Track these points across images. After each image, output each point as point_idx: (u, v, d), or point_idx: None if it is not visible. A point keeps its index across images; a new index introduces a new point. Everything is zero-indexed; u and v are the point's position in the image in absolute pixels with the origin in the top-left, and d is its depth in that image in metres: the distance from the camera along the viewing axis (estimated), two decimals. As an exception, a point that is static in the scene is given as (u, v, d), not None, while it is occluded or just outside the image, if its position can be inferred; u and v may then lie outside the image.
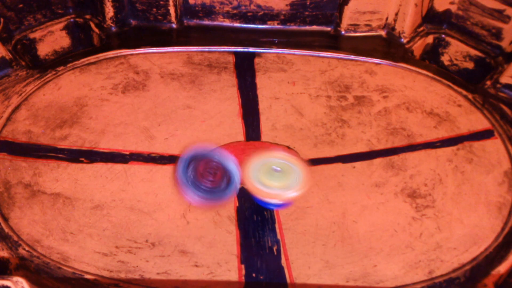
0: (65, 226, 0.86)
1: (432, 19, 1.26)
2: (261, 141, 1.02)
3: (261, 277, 0.82)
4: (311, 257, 0.84)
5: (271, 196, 0.83)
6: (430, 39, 1.26)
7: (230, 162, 0.86)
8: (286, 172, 0.84)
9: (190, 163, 0.86)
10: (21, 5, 1.19)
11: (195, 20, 1.30)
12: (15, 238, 0.84)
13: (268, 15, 1.28)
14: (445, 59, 1.25)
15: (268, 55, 1.21)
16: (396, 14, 1.25)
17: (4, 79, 1.11)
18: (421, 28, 1.27)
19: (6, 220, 0.87)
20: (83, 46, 1.27)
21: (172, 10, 1.26)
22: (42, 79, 1.12)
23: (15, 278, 0.66)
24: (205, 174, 0.86)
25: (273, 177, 0.83)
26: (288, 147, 1.01)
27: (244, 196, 0.92)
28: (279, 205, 0.88)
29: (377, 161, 0.99)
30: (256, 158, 0.86)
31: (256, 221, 0.89)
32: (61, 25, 1.25)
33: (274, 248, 0.85)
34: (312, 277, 0.82)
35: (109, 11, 1.24)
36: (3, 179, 0.93)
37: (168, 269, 0.82)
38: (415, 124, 1.06)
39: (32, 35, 1.21)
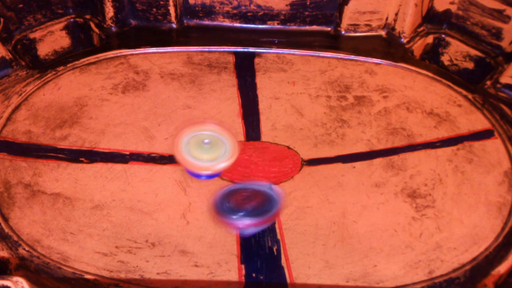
0: (65, 226, 0.87)
1: (432, 19, 1.26)
2: (261, 141, 1.02)
3: (261, 277, 0.82)
4: (311, 257, 0.84)
5: (201, 168, 0.85)
6: (430, 39, 1.26)
7: (261, 184, 0.88)
8: (216, 145, 0.86)
9: (223, 203, 0.84)
10: (21, 5, 1.19)
11: (195, 20, 1.30)
12: (15, 238, 0.84)
13: (268, 15, 1.28)
14: (445, 59, 1.25)
15: (268, 55, 1.21)
16: (396, 14, 1.25)
17: (4, 79, 1.11)
18: (421, 28, 1.27)
19: (6, 220, 0.87)
20: (83, 46, 1.27)
21: (172, 10, 1.26)
22: (42, 79, 1.12)
23: (15, 278, 0.66)
24: (241, 203, 0.84)
25: (203, 150, 0.85)
26: (288, 147, 1.01)
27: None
28: (208, 176, 0.91)
29: (377, 161, 0.99)
30: (186, 132, 0.88)
31: (256, 221, 0.89)
32: (61, 25, 1.25)
33: (274, 248, 0.85)
34: (312, 277, 0.82)
35: (109, 11, 1.24)
36: (3, 179, 0.93)
37: (168, 269, 0.82)
38: (415, 124, 1.06)
39: (32, 35, 1.21)
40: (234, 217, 0.82)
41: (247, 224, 0.82)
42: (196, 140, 0.86)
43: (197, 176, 0.90)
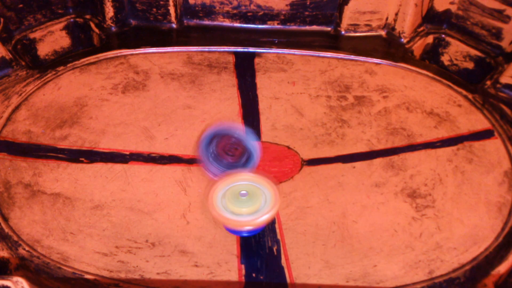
0: (65, 226, 0.87)
1: (432, 19, 1.26)
2: (261, 141, 1.02)
3: (261, 277, 0.82)
4: (311, 257, 0.84)
5: (242, 224, 0.78)
6: (430, 39, 1.26)
7: (250, 140, 0.88)
8: (254, 195, 0.79)
9: (213, 139, 0.89)
10: (21, 5, 1.19)
11: (195, 20, 1.30)
12: (15, 238, 0.84)
13: (268, 15, 1.28)
14: (445, 59, 1.25)
15: (268, 55, 1.21)
16: (396, 14, 1.25)
17: (4, 79, 1.11)
18: (421, 28, 1.27)
19: (6, 220, 0.87)
20: (83, 46, 1.27)
21: (172, 10, 1.26)
22: (42, 79, 1.12)
23: (15, 278, 0.66)
24: (226, 150, 0.88)
25: (241, 203, 0.78)
26: (288, 147, 1.01)
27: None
28: (252, 232, 0.84)
29: (377, 161, 0.99)
30: (220, 184, 0.81)
31: (256, 221, 0.89)
32: (61, 25, 1.25)
33: (274, 248, 0.85)
34: (312, 277, 0.82)
35: (109, 11, 1.24)
36: (3, 179, 0.93)
37: (168, 269, 0.82)
38: (415, 124, 1.06)
39: (32, 35, 1.21)
40: (213, 163, 0.86)
41: (217, 173, 0.85)
42: (231, 192, 0.79)
43: (239, 233, 0.84)
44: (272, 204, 0.78)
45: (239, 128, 0.93)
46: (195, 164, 0.97)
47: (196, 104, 1.09)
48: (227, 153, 0.89)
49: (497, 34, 1.18)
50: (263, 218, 0.77)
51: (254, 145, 0.89)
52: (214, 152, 0.89)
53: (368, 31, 1.28)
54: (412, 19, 1.24)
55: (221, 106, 1.08)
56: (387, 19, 1.27)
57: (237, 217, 0.77)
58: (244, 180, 0.81)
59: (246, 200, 0.78)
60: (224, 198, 0.79)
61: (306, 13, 1.27)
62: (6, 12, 1.17)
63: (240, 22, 1.29)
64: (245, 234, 0.85)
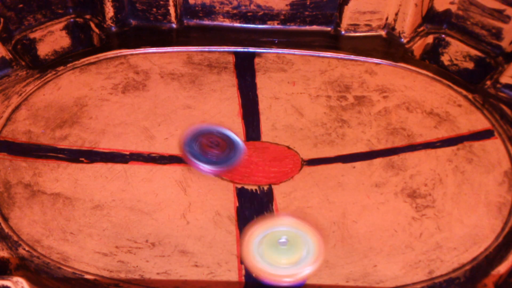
0: (65, 226, 0.87)
1: (432, 19, 1.26)
2: (261, 141, 1.02)
3: (261, 277, 0.82)
4: (311, 257, 0.84)
5: (280, 277, 0.71)
6: (430, 39, 1.26)
7: (228, 131, 0.94)
8: (295, 243, 0.72)
9: (193, 141, 0.94)
10: (21, 5, 1.19)
11: (195, 20, 1.30)
12: (15, 238, 0.84)
13: (268, 15, 1.28)
14: (445, 59, 1.25)
15: (268, 55, 1.21)
16: (396, 14, 1.25)
17: (4, 79, 1.11)
18: (421, 28, 1.27)
19: (6, 220, 0.87)
20: (83, 46, 1.27)
21: (172, 10, 1.26)
22: (42, 79, 1.12)
23: (15, 278, 0.66)
24: (209, 146, 0.93)
25: (280, 252, 0.72)
26: (288, 147, 1.01)
27: (244, 196, 0.92)
28: (295, 285, 0.76)
29: (377, 161, 0.99)
30: (257, 229, 0.75)
31: (256, 221, 0.89)
32: (61, 25, 1.25)
33: (274, 248, 0.85)
34: (312, 277, 0.82)
35: (109, 11, 1.24)
36: (3, 179, 0.93)
37: (168, 269, 0.82)
38: (415, 124, 1.06)
39: (32, 35, 1.21)
40: (197, 159, 0.91)
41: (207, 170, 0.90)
42: (270, 239, 0.72)
43: (276, 286, 0.75)
44: (316, 255, 0.71)
45: (220, 126, 0.98)
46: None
47: (196, 104, 1.09)
48: (210, 146, 0.93)
49: (497, 34, 1.18)
50: (305, 272, 0.70)
51: (236, 137, 0.95)
52: (197, 147, 0.93)
53: (368, 31, 1.28)
54: (412, 19, 1.24)
55: (221, 106, 1.08)
56: (387, 19, 1.27)
57: (275, 268, 0.70)
58: (284, 225, 0.74)
59: (286, 249, 0.72)
60: (262, 245, 0.72)
61: (306, 13, 1.27)
62: (6, 12, 1.17)
63: (240, 22, 1.29)
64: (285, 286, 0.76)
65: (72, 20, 1.26)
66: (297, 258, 0.70)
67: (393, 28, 1.27)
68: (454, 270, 0.83)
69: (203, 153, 0.92)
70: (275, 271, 0.69)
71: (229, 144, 0.94)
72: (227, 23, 1.29)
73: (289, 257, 0.70)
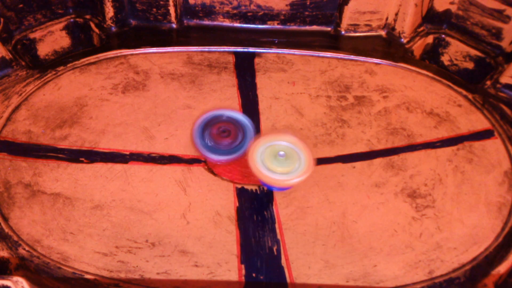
0: (65, 226, 0.87)
1: (432, 19, 1.26)
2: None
3: (261, 277, 0.82)
4: (311, 257, 0.84)
5: (273, 181, 0.84)
6: (430, 39, 1.26)
7: (238, 115, 0.95)
8: (291, 157, 0.86)
9: (204, 131, 0.94)
10: (21, 5, 1.19)
11: (195, 20, 1.30)
12: (15, 238, 0.84)
13: (268, 15, 1.28)
14: (445, 59, 1.25)
15: (268, 55, 1.21)
16: (396, 14, 1.25)
17: (4, 79, 1.11)
18: (421, 28, 1.27)
19: (6, 220, 0.87)
20: (83, 46, 1.27)
21: (172, 10, 1.26)
22: (42, 79, 1.12)
23: (15, 278, 0.66)
24: (220, 136, 0.93)
25: (278, 162, 0.85)
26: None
27: (244, 196, 0.92)
28: (280, 189, 0.91)
29: (377, 161, 0.99)
30: (261, 141, 0.88)
31: (256, 221, 0.89)
32: (61, 25, 1.25)
33: (274, 248, 0.85)
34: (312, 277, 0.82)
35: (109, 11, 1.24)
36: (3, 179, 0.93)
37: (168, 269, 0.82)
38: (415, 124, 1.06)
39: (32, 35, 1.21)
40: (212, 151, 0.91)
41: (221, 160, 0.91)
42: (271, 151, 0.86)
43: (269, 187, 0.90)
44: (304, 170, 0.84)
45: (225, 111, 0.99)
46: (196, 164, 0.97)
47: (196, 104, 1.09)
48: (221, 135, 0.93)
49: (497, 34, 1.18)
50: (293, 181, 0.84)
51: (245, 120, 0.95)
52: (209, 139, 0.93)
53: (368, 31, 1.28)
54: (412, 19, 1.24)
55: (221, 106, 1.08)
56: (387, 19, 1.27)
57: (271, 174, 0.84)
58: (285, 141, 0.88)
59: (282, 160, 0.85)
60: (263, 155, 0.86)
61: (306, 13, 1.27)
62: (6, 12, 1.17)
63: (240, 22, 1.29)
64: (275, 189, 0.92)
65: (72, 20, 1.26)
66: (289, 169, 0.85)
67: (393, 28, 1.27)
68: (454, 270, 0.83)
69: (216, 144, 0.93)
70: (271, 177, 0.84)
71: (239, 128, 0.95)
72: (227, 23, 1.29)
73: (283, 168, 0.85)
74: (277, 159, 0.85)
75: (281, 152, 0.86)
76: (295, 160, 0.85)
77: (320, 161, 0.99)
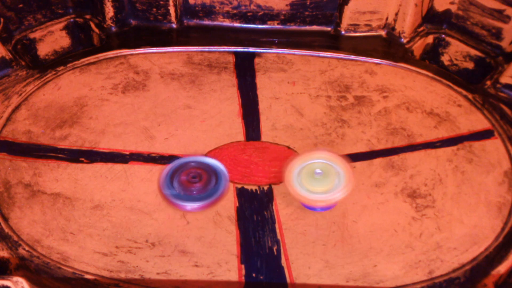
0: (65, 226, 0.87)
1: (432, 19, 1.26)
2: (261, 141, 1.02)
3: (261, 277, 0.82)
4: (311, 257, 0.84)
5: (316, 201, 0.85)
6: (430, 39, 1.26)
7: (206, 159, 0.91)
8: (328, 174, 0.86)
9: (172, 179, 0.90)
10: (21, 5, 1.19)
11: (195, 20, 1.30)
12: (15, 238, 0.84)
13: (268, 15, 1.28)
14: (445, 59, 1.25)
15: (268, 55, 1.21)
16: (396, 14, 1.25)
17: (4, 79, 1.11)
18: (421, 28, 1.27)
19: (6, 220, 0.87)
20: (83, 46, 1.27)
21: (172, 10, 1.26)
22: (42, 79, 1.12)
23: (15, 278, 0.66)
24: (190, 182, 0.89)
25: (316, 181, 0.85)
26: (288, 147, 1.01)
27: (244, 196, 0.92)
28: (323, 209, 0.89)
29: (377, 161, 0.99)
30: (297, 161, 0.88)
31: (256, 221, 0.89)
32: (61, 25, 1.25)
33: (274, 248, 0.85)
34: (312, 277, 0.82)
35: (109, 11, 1.24)
36: (3, 179, 0.93)
37: (168, 269, 0.82)
38: (415, 124, 1.06)
39: (32, 35, 1.21)
40: (184, 198, 0.88)
41: (195, 207, 0.87)
42: (307, 170, 0.86)
43: (312, 208, 0.89)
44: (345, 184, 0.85)
45: (192, 157, 0.95)
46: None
47: (196, 104, 1.09)
48: (192, 180, 0.89)
49: (497, 34, 1.18)
50: (335, 197, 0.84)
51: (215, 163, 0.92)
52: (179, 186, 0.89)
53: (368, 31, 1.28)
54: (412, 19, 1.24)
55: (221, 106, 1.08)
56: (387, 19, 1.27)
57: (311, 195, 0.84)
58: (319, 158, 0.88)
59: (320, 179, 0.85)
60: (300, 176, 0.85)
61: (306, 13, 1.27)
62: (6, 12, 1.17)
63: (240, 22, 1.29)
64: (319, 210, 0.90)
65: (72, 20, 1.26)
66: (330, 187, 0.85)
67: (393, 28, 1.27)
68: (454, 270, 0.83)
69: (187, 191, 0.89)
70: (311, 197, 0.84)
71: (209, 171, 0.91)
72: (227, 23, 1.29)
73: (323, 186, 0.85)
74: (315, 179, 0.85)
75: (318, 170, 0.85)
76: (334, 176, 0.85)
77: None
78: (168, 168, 0.91)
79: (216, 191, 0.89)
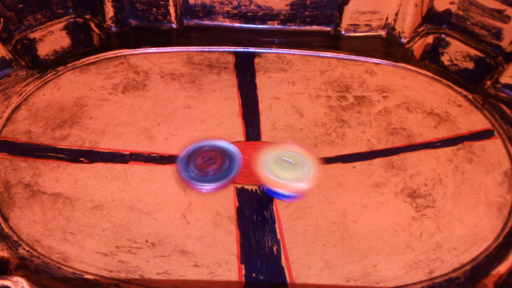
0: (65, 226, 0.87)
1: (432, 19, 1.27)
2: (261, 141, 1.02)
3: (261, 277, 0.82)
4: (311, 257, 0.84)
5: (281, 186, 0.87)
6: (430, 39, 1.26)
7: (220, 142, 0.95)
8: (298, 165, 0.89)
9: (188, 163, 0.92)
10: (21, 5, 1.19)
11: (195, 20, 1.30)
12: (15, 238, 0.84)
13: (268, 15, 1.28)
14: (445, 59, 1.25)
15: (268, 55, 1.21)
16: (396, 14, 1.25)
17: (4, 79, 1.11)
18: (421, 28, 1.27)
19: (6, 220, 0.87)
20: (83, 46, 1.27)
21: (172, 10, 1.26)
22: (42, 79, 1.12)
23: (15, 278, 0.66)
24: (206, 165, 0.93)
25: (285, 169, 0.88)
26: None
27: (244, 196, 0.92)
28: (288, 196, 0.92)
29: (377, 161, 0.99)
30: (269, 150, 0.91)
31: (256, 221, 0.89)
32: (61, 25, 1.25)
33: (274, 248, 0.85)
34: (312, 277, 0.82)
35: (109, 11, 1.24)
36: (3, 179, 0.93)
37: (168, 269, 0.82)
38: (415, 124, 1.06)
39: (32, 35, 1.21)
40: (195, 179, 0.91)
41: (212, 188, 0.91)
42: (280, 157, 0.89)
43: (274, 193, 0.91)
44: (307, 178, 0.87)
45: (206, 142, 0.98)
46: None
47: (196, 104, 1.09)
48: (207, 163, 0.93)
49: (497, 34, 1.18)
50: (295, 185, 0.87)
51: (228, 146, 0.96)
52: (194, 169, 0.93)
53: (368, 31, 1.28)
54: (412, 19, 1.24)
55: (221, 106, 1.08)
56: (387, 19, 1.27)
57: (276, 178, 0.87)
58: (293, 151, 0.91)
59: (289, 167, 0.88)
60: (271, 162, 0.89)
61: (306, 13, 1.28)
62: (6, 12, 1.17)
63: (240, 22, 1.29)
64: (279, 197, 0.92)
65: (72, 20, 1.26)
66: (296, 176, 0.88)
67: (393, 28, 1.27)
68: (454, 270, 0.83)
69: (204, 173, 0.93)
70: (278, 182, 0.87)
71: (223, 154, 0.95)
72: (227, 23, 1.29)
73: (289, 173, 0.87)
74: (283, 166, 0.87)
75: (290, 160, 0.88)
76: (301, 166, 0.88)
77: (321, 161, 0.98)
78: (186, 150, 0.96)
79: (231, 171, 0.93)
